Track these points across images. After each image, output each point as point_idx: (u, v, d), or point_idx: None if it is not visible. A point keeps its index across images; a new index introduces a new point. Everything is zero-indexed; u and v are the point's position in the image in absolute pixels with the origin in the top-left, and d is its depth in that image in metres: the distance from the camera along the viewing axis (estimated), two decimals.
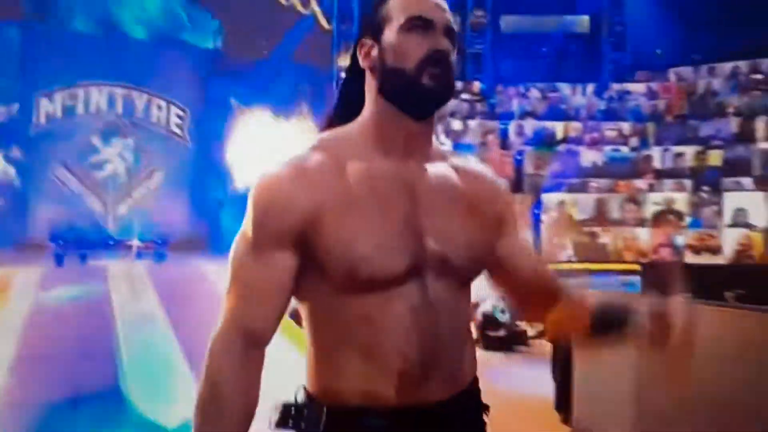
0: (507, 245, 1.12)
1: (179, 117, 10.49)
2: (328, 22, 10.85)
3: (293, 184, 0.98)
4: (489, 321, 5.81)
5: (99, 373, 4.48)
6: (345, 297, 0.98)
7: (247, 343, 0.98)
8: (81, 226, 9.81)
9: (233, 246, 1.02)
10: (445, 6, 1.04)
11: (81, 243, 9.43)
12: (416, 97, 1.01)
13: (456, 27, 1.05)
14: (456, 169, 1.09)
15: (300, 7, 10.88)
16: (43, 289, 6.83)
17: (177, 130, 10.50)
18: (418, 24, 1.00)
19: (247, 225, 1.00)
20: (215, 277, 7.75)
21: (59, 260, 8.34)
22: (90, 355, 4.85)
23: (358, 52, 1.05)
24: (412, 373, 1.00)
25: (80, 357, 4.71)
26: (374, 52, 1.03)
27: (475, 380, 1.10)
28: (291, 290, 1.00)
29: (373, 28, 1.04)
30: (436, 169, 1.07)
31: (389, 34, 1.01)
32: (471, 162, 1.14)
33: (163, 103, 10.43)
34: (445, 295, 1.03)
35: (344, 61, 9.82)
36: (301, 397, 1.04)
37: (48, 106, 9.93)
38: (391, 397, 0.99)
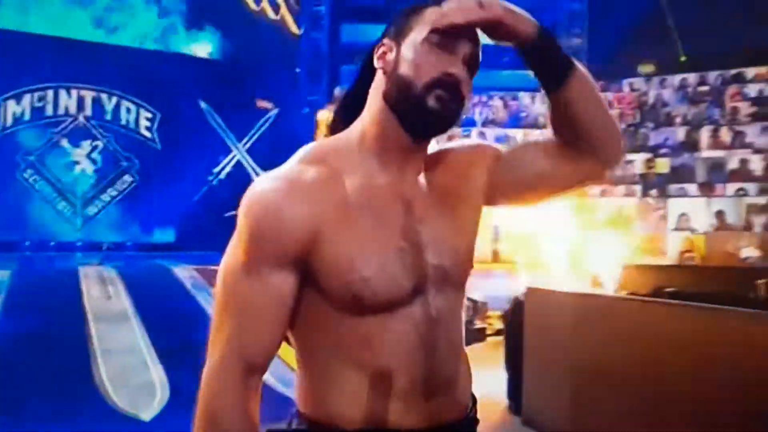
0: (511, 172, 1.07)
1: (149, 120, 10.57)
2: (298, 28, 11.04)
3: (291, 200, 0.90)
4: None
5: (74, 372, 4.54)
6: (345, 318, 0.93)
7: (247, 376, 0.92)
8: (50, 227, 9.82)
9: (222, 268, 0.94)
10: (479, 39, 0.98)
11: (49, 245, 9.51)
12: (416, 116, 0.95)
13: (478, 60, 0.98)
14: (438, 164, 1.04)
15: (270, 13, 11.04)
16: (12, 291, 6.79)
17: (147, 133, 10.57)
18: (442, 41, 0.94)
19: (239, 244, 0.92)
20: (184, 277, 7.87)
21: (28, 262, 8.37)
22: (63, 354, 4.87)
23: (375, 51, 1.00)
24: (416, 393, 0.96)
25: (53, 356, 4.72)
26: (391, 56, 0.97)
27: (474, 400, 1.07)
28: (291, 313, 0.94)
29: (399, 31, 0.98)
30: (427, 176, 1.02)
31: (411, 43, 0.95)
32: (446, 150, 1.08)
33: (132, 106, 10.50)
34: (446, 307, 0.99)
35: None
36: (296, 424, 0.98)
37: (15, 108, 9.92)
38: (396, 420, 0.95)
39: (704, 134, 8.82)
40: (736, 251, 7.44)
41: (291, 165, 0.96)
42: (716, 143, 8.67)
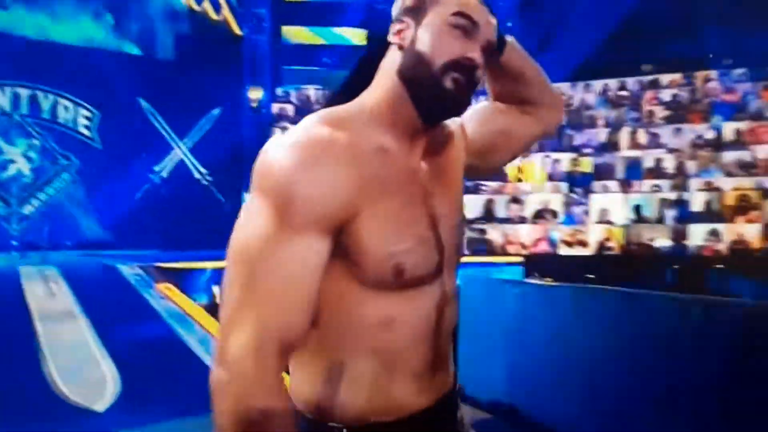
0: (481, 131, 1.11)
1: (88, 118, 10.44)
2: (240, 28, 11.12)
3: (332, 160, 0.83)
4: None
5: (22, 368, 4.45)
6: (369, 295, 0.87)
7: (282, 357, 0.82)
8: None
9: (241, 241, 0.82)
10: (496, 25, 0.97)
11: None
12: (431, 96, 0.92)
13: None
14: (432, 144, 1.00)
15: (212, 13, 11.08)
16: None
17: (86, 132, 10.44)
18: (463, 23, 0.92)
19: (266, 212, 0.81)
20: (128, 274, 7.84)
21: None
22: (10, 351, 4.73)
23: (391, 29, 0.96)
24: (425, 372, 0.94)
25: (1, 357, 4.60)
26: (409, 32, 0.94)
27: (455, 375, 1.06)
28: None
29: (417, 9, 0.95)
30: (429, 153, 0.99)
31: (432, 21, 0.93)
32: (437, 128, 1.02)
33: (70, 105, 10.35)
34: (452, 286, 0.99)
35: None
36: (302, 425, 0.89)
37: None
38: (410, 403, 0.92)
39: (624, 135, 9.49)
40: (650, 242, 8.09)
41: (313, 127, 0.88)
42: (634, 144, 9.35)
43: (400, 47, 0.94)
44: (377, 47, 0.99)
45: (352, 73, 1.01)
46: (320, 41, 11.16)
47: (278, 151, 0.84)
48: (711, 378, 2.49)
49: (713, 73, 9.43)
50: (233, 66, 10.91)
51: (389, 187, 0.88)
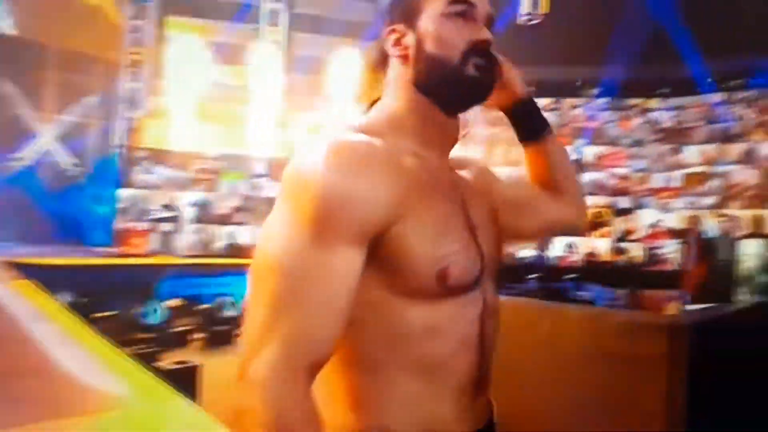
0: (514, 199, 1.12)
1: None
2: (120, 14, 10.60)
3: (373, 169, 0.80)
4: (215, 317, 5.44)
5: None
6: (408, 306, 0.83)
7: (311, 375, 0.77)
8: None
9: (270, 252, 0.77)
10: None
11: None
12: (460, 88, 0.91)
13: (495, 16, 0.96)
14: (463, 166, 1.03)
15: None
16: None
17: None
18: (460, 9, 0.90)
19: (299, 220, 0.77)
20: None
21: None
22: None
23: (385, 41, 0.94)
24: (467, 392, 0.89)
25: None
26: (408, 40, 0.92)
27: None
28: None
29: (407, 12, 0.92)
30: (457, 167, 1.00)
31: (428, 20, 0.91)
32: (466, 157, 1.07)
33: None
34: (494, 299, 0.95)
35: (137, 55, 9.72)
36: None
37: None
38: (451, 426, 0.87)
39: (498, 152, 10.09)
40: (515, 252, 8.63)
41: (349, 134, 0.85)
42: (509, 161, 9.96)
43: (404, 57, 0.93)
44: (376, 57, 0.96)
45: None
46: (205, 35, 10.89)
47: (315, 158, 0.79)
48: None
49: (579, 101, 10.28)
50: (111, 53, 10.37)
51: (429, 192, 0.86)
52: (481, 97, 0.95)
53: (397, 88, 0.93)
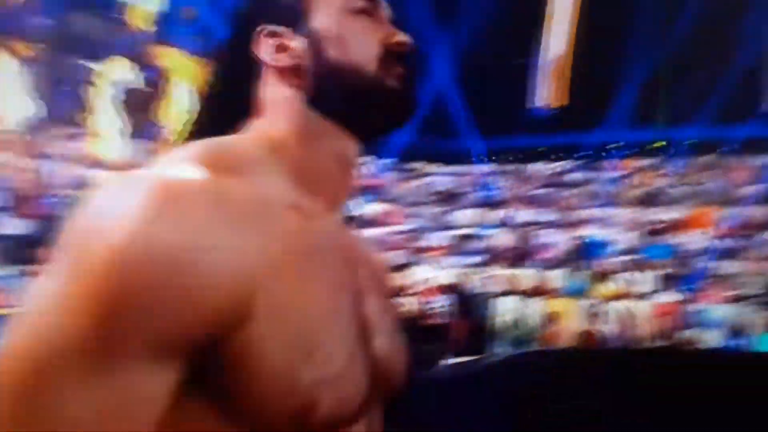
0: None
1: None
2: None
3: (214, 228, 0.52)
4: None
5: None
6: None
7: None
8: None
9: (18, 351, 0.48)
10: None
11: None
12: (379, 105, 0.69)
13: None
14: (355, 239, 0.78)
15: None
16: None
17: None
18: (365, 5, 0.71)
19: (87, 308, 0.47)
20: None
21: None
22: None
23: (260, 47, 0.70)
24: None
25: None
26: (295, 45, 0.69)
27: None
28: None
29: (289, 11, 0.70)
30: (347, 227, 0.75)
31: (326, 18, 0.69)
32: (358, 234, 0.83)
33: None
34: (378, 423, 0.70)
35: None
36: None
37: None
38: None
39: None
40: None
41: (183, 169, 0.55)
42: None
43: (292, 68, 0.68)
44: (236, 74, 0.71)
45: (212, 100, 0.73)
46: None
47: (117, 207, 0.50)
48: None
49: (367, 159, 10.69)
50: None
51: (305, 267, 0.58)
52: (404, 116, 0.72)
53: (279, 106, 0.69)
